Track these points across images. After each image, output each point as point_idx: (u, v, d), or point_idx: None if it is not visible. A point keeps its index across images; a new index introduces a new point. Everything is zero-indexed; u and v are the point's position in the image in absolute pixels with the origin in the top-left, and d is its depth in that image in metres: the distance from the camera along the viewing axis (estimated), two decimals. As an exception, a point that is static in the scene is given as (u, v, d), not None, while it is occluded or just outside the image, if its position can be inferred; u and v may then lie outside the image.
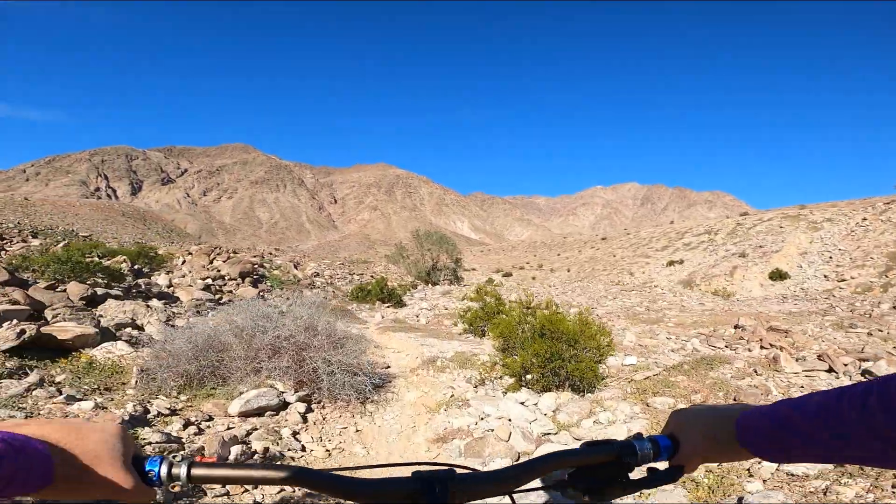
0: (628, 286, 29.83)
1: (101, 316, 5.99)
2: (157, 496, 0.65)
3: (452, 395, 5.06)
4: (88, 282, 7.74)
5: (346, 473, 0.70)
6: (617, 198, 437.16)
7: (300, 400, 4.44)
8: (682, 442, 0.72)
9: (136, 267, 11.29)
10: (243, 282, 11.84)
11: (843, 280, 37.86)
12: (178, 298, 8.70)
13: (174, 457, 0.65)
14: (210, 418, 3.92)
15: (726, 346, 7.10)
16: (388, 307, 18.28)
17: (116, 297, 6.70)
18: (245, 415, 4.03)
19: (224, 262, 12.76)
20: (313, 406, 4.57)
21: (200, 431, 3.58)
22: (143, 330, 5.97)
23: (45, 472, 0.51)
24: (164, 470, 0.63)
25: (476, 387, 5.28)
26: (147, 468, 0.63)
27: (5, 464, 0.46)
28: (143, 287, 8.45)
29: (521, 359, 4.76)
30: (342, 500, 0.64)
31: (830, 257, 44.51)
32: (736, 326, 9.25)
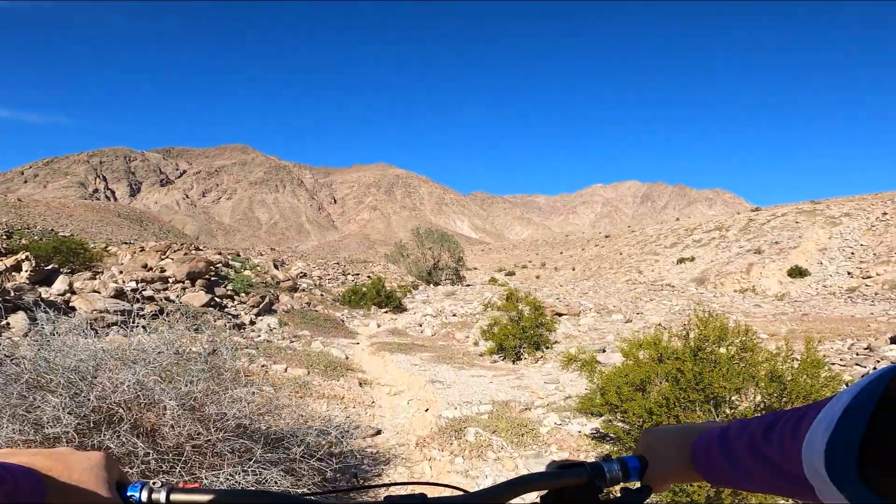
0: (656, 286, 27.05)
1: None
2: None
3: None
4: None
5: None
6: (617, 196, 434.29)
7: None
8: (651, 462, 0.71)
9: (49, 266, 8.56)
10: (193, 285, 9.06)
11: (869, 277, 35.35)
12: (73, 310, 5.99)
13: (154, 483, 0.68)
14: None
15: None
16: (386, 312, 15.55)
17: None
18: None
19: (174, 260, 9.97)
20: None
21: None
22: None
23: (38, 492, 0.57)
24: (144, 495, 0.66)
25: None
26: (128, 492, 0.66)
27: (8, 481, 0.53)
28: (13, 295, 5.72)
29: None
30: None
31: (852, 253, 41.94)
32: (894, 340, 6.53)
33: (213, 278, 9.81)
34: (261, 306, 9.61)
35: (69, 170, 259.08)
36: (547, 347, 7.03)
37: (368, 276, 24.00)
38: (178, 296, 8.25)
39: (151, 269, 9.37)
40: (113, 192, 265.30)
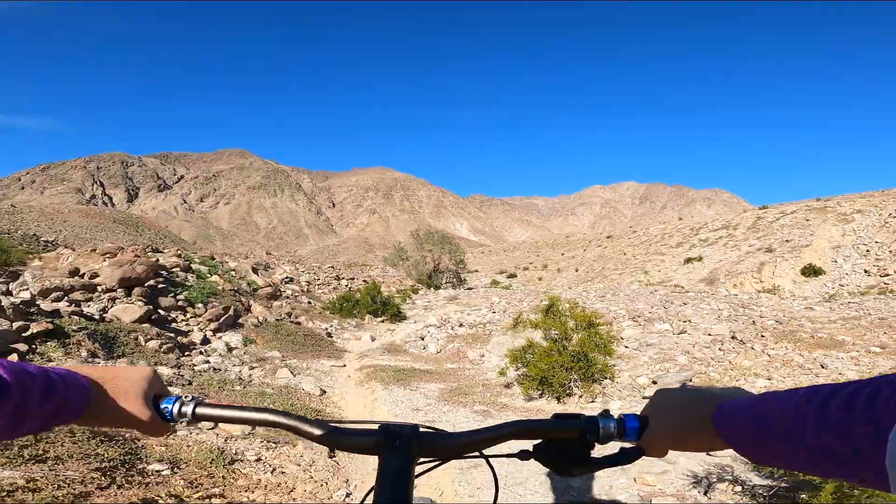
0: (668, 287, 25.09)
1: None
2: (171, 429, 0.78)
3: None
4: None
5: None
6: (615, 197, 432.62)
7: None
8: (653, 424, 0.66)
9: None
10: (128, 294, 7.04)
11: (887, 275, 33.58)
12: None
13: (186, 397, 0.73)
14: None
15: None
16: (382, 321, 13.54)
17: None
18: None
19: (110, 264, 7.87)
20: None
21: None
22: None
23: (83, 401, 0.65)
24: (175, 408, 0.72)
25: None
26: (162, 405, 0.72)
27: (60, 391, 0.61)
28: None
29: None
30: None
31: (868, 251, 40.18)
32: None
33: (160, 285, 7.79)
34: (221, 320, 7.56)
35: (66, 175, 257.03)
36: (606, 378, 5.02)
37: (364, 281, 21.95)
38: (102, 308, 6.27)
39: (83, 274, 7.40)
40: (110, 198, 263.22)
